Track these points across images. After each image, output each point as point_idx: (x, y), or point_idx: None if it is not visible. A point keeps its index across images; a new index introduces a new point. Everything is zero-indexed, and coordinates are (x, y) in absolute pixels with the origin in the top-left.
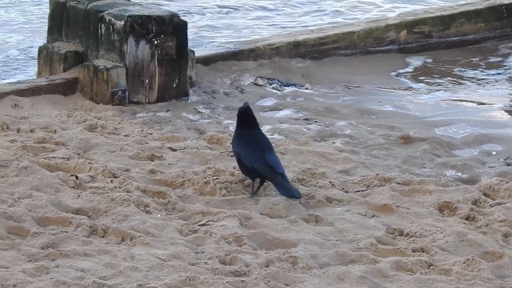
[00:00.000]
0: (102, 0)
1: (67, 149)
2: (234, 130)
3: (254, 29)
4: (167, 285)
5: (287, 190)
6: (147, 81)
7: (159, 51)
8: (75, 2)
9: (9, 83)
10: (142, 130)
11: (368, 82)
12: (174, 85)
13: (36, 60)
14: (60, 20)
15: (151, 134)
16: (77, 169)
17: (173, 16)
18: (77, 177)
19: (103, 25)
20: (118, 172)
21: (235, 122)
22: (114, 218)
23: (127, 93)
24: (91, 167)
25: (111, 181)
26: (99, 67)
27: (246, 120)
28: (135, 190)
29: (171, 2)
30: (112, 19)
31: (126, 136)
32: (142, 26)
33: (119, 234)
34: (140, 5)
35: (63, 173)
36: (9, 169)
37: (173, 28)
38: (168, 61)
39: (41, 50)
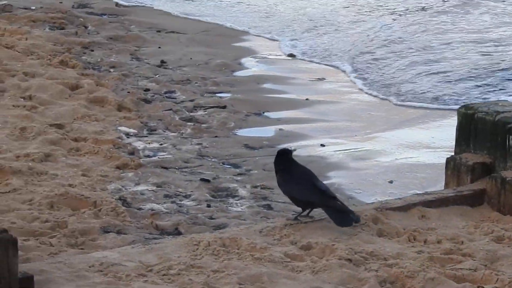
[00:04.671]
0: (510, 111)
1: (474, 260)
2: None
3: None
4: None
5: (342, 220)
6: None
7: None
8: (483, 113)
9: (417, 194)
10: None
11: None
12: None
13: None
14: (468, 132)
15: None
16: (484, 280)
17: None
18: None
19: (510, 137)
20: None
21: None
22: None
23: None
24: (497, 279)
25: None
26: (507, 179)
27: (288, 160)
28: None
29: None
30: None
31: None
32: None
33: None
34: None
35: (469, 284)
36: (416, 280)
37: None
38: None
39: (448, 161)
